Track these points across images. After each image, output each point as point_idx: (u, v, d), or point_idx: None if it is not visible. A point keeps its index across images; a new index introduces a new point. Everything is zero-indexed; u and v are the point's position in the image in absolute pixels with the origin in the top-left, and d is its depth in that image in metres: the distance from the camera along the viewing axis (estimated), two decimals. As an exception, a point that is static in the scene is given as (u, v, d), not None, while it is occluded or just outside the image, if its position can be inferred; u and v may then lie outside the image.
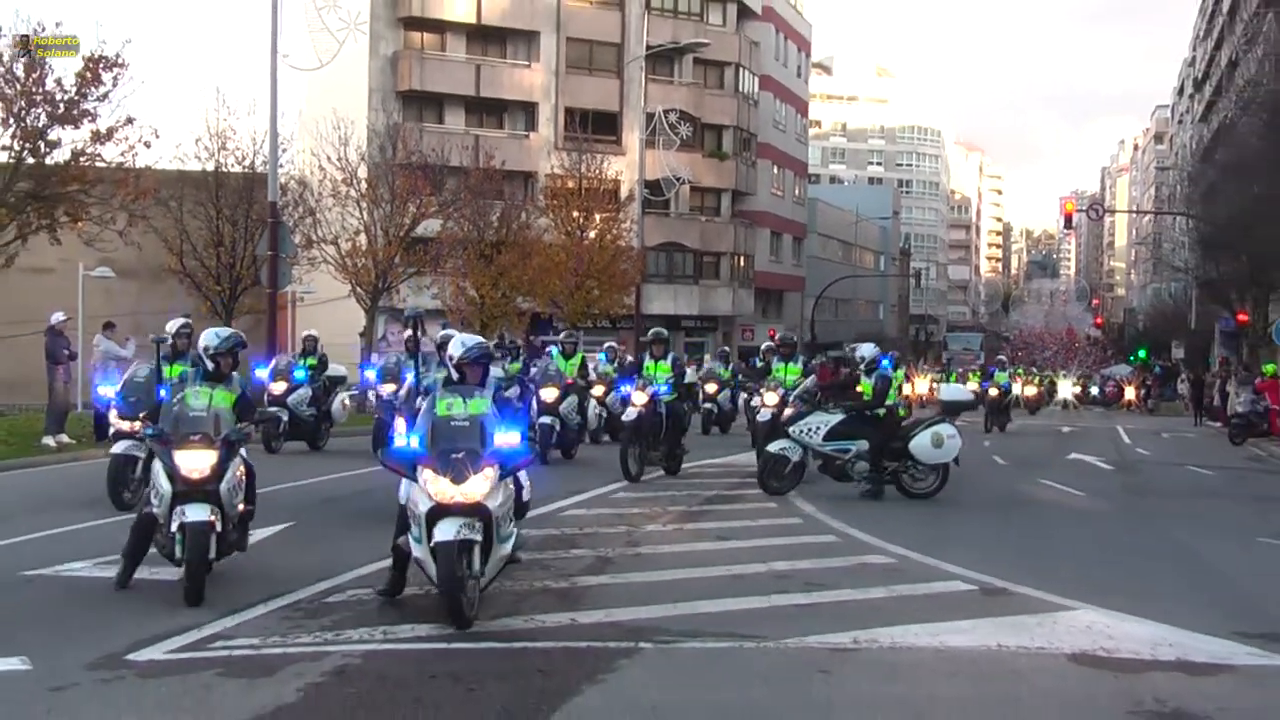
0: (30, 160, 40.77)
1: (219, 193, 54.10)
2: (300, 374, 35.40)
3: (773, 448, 27.52)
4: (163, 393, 16.72)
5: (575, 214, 67.85)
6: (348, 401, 38.68)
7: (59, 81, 40.90)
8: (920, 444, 27.04)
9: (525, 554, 18.40)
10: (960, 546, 19.89)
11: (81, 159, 41.51)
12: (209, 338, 16.47)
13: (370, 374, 36.42)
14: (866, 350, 28.72)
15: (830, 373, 30.74)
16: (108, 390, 27.63)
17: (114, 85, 41.59)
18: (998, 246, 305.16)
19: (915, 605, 15.61)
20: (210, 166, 54.98)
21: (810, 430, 27.05)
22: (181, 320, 23.98)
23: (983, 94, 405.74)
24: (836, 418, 27.13)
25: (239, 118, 56.89)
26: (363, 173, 58.42)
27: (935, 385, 72.71)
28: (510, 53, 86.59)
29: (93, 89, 41.19)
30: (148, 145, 43.15)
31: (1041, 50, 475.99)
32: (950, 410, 31.52)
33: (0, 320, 48.02)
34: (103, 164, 42.14)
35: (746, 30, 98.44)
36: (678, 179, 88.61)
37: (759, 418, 33.29)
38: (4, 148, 40.80)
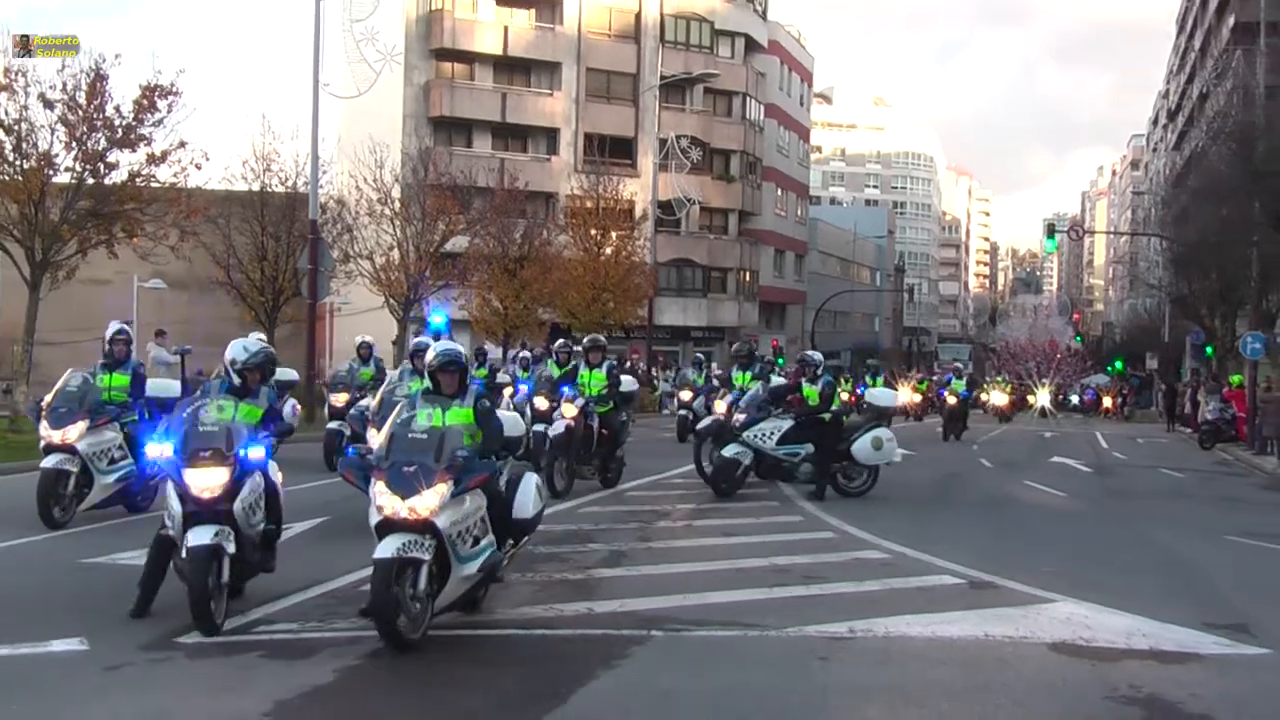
0: (91, 181, 40.89)
1: (263, 211, 54.21)
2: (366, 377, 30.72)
3: (727, 452, 26.58)
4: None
5: (593, 232, 67.84)
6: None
7: (118, 108, 41.06)
8: (861, 447, 27.18)
9: (546, 548, 18.48)
10: (950, 543, 19.86)
11: (138, 180, 41.65)
12: (236, 351, 14.45)
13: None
14: (816, 356, 28.30)
15: (798, 376, 30.27)
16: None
17: (168, 112, 41.74)
18: (985, 264, 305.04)
19: (908, 597, 15.58)
20: (256, 187, 55.13)
21: (764, 435, 26.63)
22: (117, 326, 22.20)
23: (973, 123, 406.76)
24: (787, 423, 26.77)
25: (283, 142, 56.97)
26: (396, 193, 58.46)
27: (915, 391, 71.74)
28: (534, 82, 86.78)
29: (149, 115, 41.31)
30: (198, 167, 43.37)
31: (1027, 83, 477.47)
32: (878, 414, 30.77)
33: (62, 327, 47.97)
34: (157, 184, 42.30)
35: (753, 62, 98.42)
36: (688, 200, 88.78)
37: (700, 424, 31.89)
38: (67, 169, 40.94)
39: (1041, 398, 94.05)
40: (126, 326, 22.59)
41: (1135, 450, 52.70)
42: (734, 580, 16.49)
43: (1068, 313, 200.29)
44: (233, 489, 13.21)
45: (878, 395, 35.94)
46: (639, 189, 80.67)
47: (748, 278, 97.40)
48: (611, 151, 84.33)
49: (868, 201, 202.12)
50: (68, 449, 19.93)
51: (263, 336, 22.56)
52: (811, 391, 26.91)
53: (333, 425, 29.10)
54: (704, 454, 28.68)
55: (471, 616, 13.81)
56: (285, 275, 52.96)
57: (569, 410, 26.35)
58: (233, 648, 12.45)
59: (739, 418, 27.08)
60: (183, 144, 42.29)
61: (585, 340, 29.34)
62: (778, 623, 13.85)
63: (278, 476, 14.60)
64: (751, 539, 20.27)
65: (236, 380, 14.23)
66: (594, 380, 26.93)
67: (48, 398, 21.09)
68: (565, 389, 27.01)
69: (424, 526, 12.24)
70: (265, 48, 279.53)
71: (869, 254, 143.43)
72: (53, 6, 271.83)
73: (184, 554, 13.08)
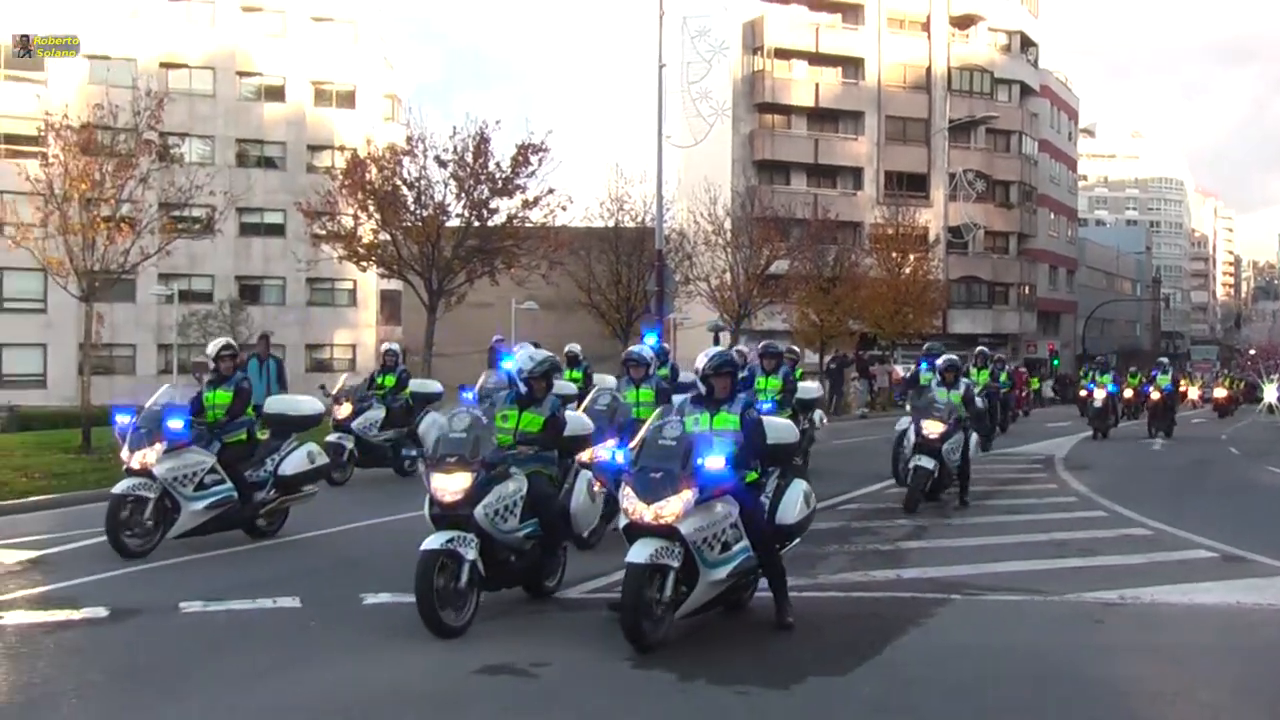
0: (476, 224, 41.77)
1: (618, 243, 55.15)
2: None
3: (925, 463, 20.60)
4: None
5: (894, 254, 67.23)
6: (316, 452, 22.68)
7: (498, 164, 41.97)
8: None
9: (859, 523, 18.87)
10: (1204, 521, 19.03)
11: (514, 221, 42.46)
12: (523, 361, 13.24)
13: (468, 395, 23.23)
14: (779, 347, 24.75)
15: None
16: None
17: (539, 165, 42.48)
18: (1230, 275, 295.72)
19: (1169, 569, 15.14)
20: (611, 223, 56.14)
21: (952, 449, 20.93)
22: (223, 343, 18.09)
23: (1216, 150, 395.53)
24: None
25: (633, 185, 57.99)
26: (728, 225, 58.83)
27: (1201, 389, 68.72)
28: (841, 129, 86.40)
29: (523, 169, 42.11)
30: (564, 209, 44.15)
31: (1263, 113, 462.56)
32: (804, 408, 24.66)
33: (452, 341, 48.99)
34: (530, 224, 43.07)
35: (1027, 105, 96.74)
36: (974, 225, 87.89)
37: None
38: (457, 215, 41.92)
39: (1269, 393, 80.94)
40: (233, 341, 18.27)
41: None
42: (1020, 552, 16.30)
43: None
44: (475, 494, 11.69)
45: (802, 389, 25.47)
46: (932, 217, 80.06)
47: (1026, 291, 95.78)
48: (908, 186, 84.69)
49: (1127, 222, 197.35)
50: (145, 473, 15.70)
51: (535, 346, 17.44)
52: (773, 382, 22.86)
53: (333, 438, 23.85)
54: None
55: (797, 581, 13.51)
56: (636, 296, 53.74)
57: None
58: (593, 604, 12.74)
59: (939, 430, 20.83)
60: (551, 191, 43.07)
61: (760, 346, 24.85)
62: (1058, 589, 13.65)
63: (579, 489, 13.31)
64: (1033, 517, 20.00)
65: (523, 389, 13.03)
66: (769, 386, 23.02)
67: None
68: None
69: (669, 532, 10.83)
70: (617, 107, 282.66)
71: (1130, 268, 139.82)
72: (447, 82, 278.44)
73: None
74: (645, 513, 10.87)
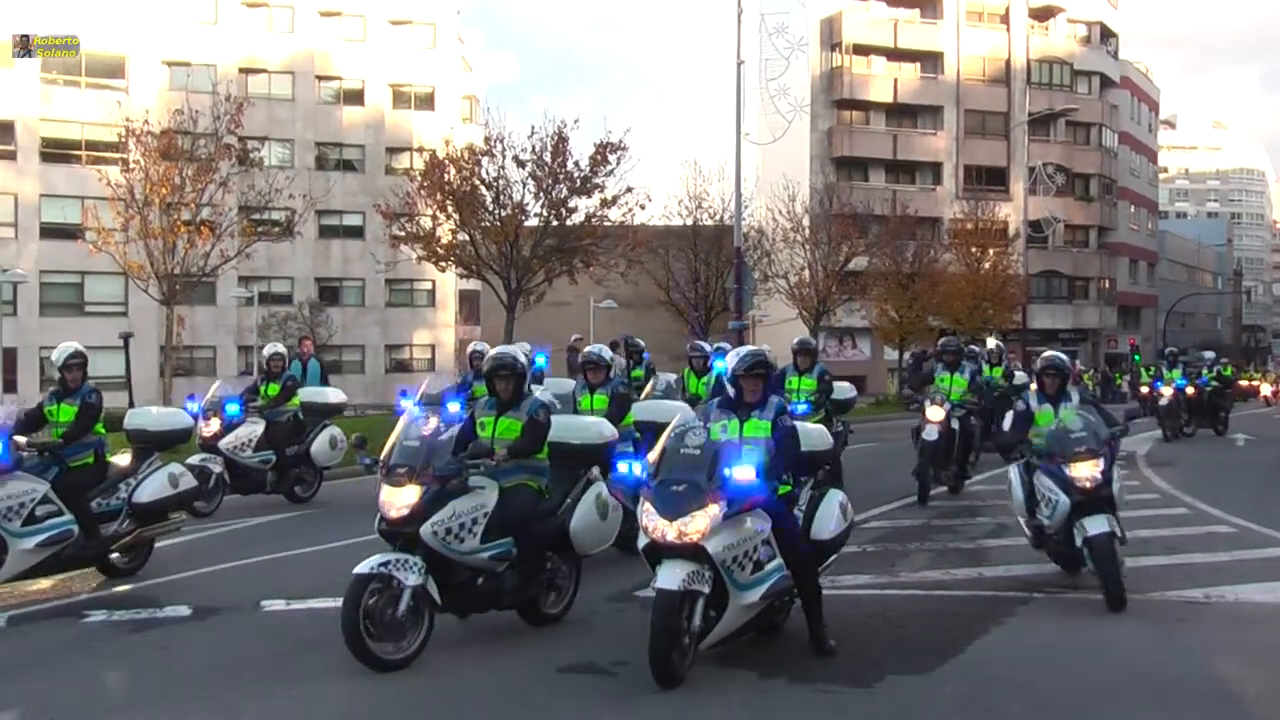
0: (555, 223, 41.70)
1: (696, 241, 55.17)
2: (234, 408, 20.57)
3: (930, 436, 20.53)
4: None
5: (973, 249, 66.61)
6: (339, 437, 21.65)
7: (576, 163, 41.90)
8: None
9: (940, 520, 18.69)
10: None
11: (592, 220, 42.40)
12: (732, 361, 11.13)
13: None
14: (704, 347, 22.50)
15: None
16: None
17: (617, 164, 42.37)
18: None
19: (1254, 567, 14.76)
20: (689, 221, 55.98)
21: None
22: (71, 350, 14.75)
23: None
24: None
25: (711, 183, 58.02)
26: (806, 222, 58.68)
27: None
28: (920, 124, 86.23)
29: (602, 168, 42.01)
30: (642, 207, 44.06)
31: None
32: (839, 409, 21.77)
33: (532, 340, 48.97)
34: (608, 223, 43.01)
35: (1107, 96, 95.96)
36: (1054, 219, 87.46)
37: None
38: (536, 215, 41.87)
39: None
40: (82, 349, 15.03)
41: None
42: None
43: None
44: (425, 510, 10.50)
45: (841, 388, 22.36)
46: (1012, 211, 79.20)
47: (1107, 285, 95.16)
48: (987, 180, 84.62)
49: (1209, 214, 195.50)
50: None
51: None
52: (807, 381, 20.29)
53: (197, 459, 19.54)
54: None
55: (878, 578, 13.58)
56: (715, 294, 53.84)
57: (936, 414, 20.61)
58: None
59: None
60: (629, 189, 42.97)
61: (794, 343, 21.33)
62: (1142, 588, 13.19)
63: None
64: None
65: (731, 391, 10.85)
66: (803, 386, 20.24)
67: None
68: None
69: (695, 552, 9.62)
70: (695, 105, 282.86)
71: (1211, 260, 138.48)
72: (524, 83, 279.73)
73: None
74: (668, 530, 9.68)
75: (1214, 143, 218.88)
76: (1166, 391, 36.05)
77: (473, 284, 59.33)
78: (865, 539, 16.30)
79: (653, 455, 10.38)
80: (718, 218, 56.71)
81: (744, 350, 11.14)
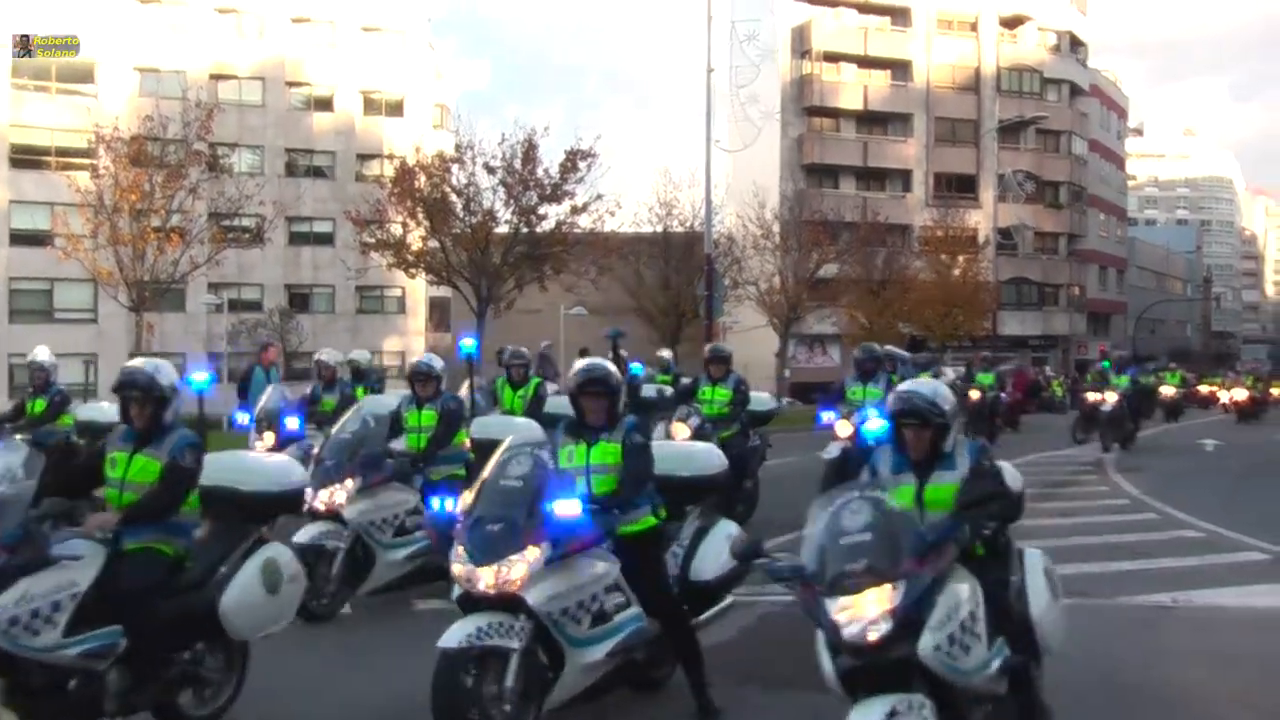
0: (525, 230, 41.80)
1: (666, 248, 55.22)
2: (293, 423, 17.97)
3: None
4: None
5: (943, 257, 67.11)
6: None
7: (546, 170, 42.00)
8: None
9: None
10: (1259, 523, 18.54)
11: (563, 227, 42.56)
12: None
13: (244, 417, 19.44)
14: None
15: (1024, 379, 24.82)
16: None
17: (587, 170, 42.52)
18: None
19: (1222, 571, 14.99)
20: (659, 228, 56.10)
21: None
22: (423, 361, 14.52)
23: (1268, 147, 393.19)
24: None
25: (681, 190, 58.20)
26: (776, 229, 58.95)
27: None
28: (890, 131, 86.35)
29: (572, 175, 42.11)
30: (612, 214, 44.31)
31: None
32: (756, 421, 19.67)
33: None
34: (578, 230, 43.14)
35: (1077, 104, 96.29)
36: (1024, 226, 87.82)
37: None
38: (506, 222, 41.95)
39: None
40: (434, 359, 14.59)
41: None
42: (1071, 555, 15.63)
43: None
44: None
45: (759, 399, 20.27)
46: (981, 218, 79.82)
47: (1076, 292, 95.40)
48: (957, 187, 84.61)
49: (1178, 221, 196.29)
50: (332, 515, 12.56)
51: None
52: (721, 392, 18.28)
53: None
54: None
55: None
56: (685, 301, 53.87)
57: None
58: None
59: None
60: (599, 196, 43.19)
61: (707, 349, 19.87)
62: (1110, 593, 13.55)
63: None
64: (1086, 519, 19.66)
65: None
66: (716, 397, 18.21)
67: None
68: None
69: (515, 603, 8.06)
70: (665, 113, 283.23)
71: (1180, 268, 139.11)
72: (495, 91, 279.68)
73: None
74: (480, 578, 8.08)
75: (1183, 151, 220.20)
76: (1110, 398, 33.86)
77: (443, 291, 59.37)
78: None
79: (469, 490, 8.81)
80: (688, 225, 56.85)
81: (583, 365, 9.35)
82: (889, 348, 25.82)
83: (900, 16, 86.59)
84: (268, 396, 18.54)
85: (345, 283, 68.45)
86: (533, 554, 8.08)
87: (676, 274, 55.55)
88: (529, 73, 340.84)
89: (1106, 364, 36.56)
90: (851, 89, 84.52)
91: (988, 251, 73.81)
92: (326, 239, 71.74)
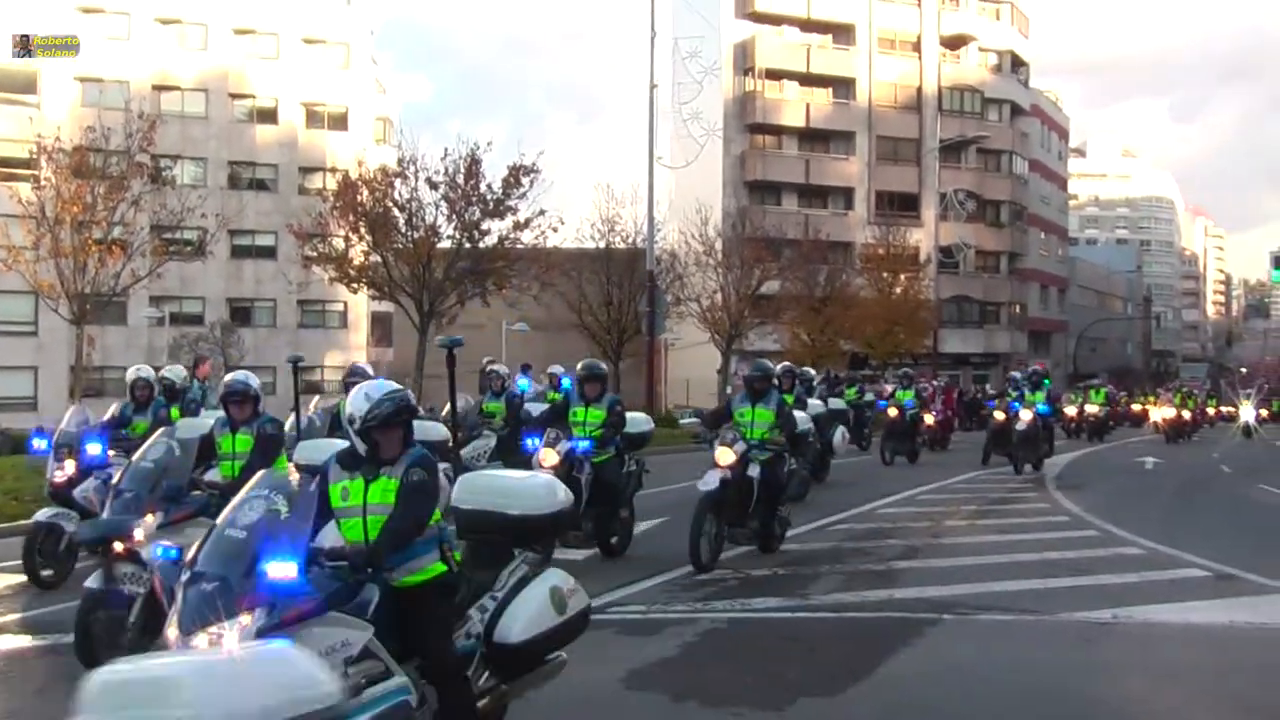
0: (468, 245, 41.89)
1: (609, 264, 55.28)
2: (95, 448, 15.57)
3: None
4: None
5: (885, 274, 67.46)
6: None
7: (489, 186, 42.06)
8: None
9: (852, 543, 18.80)
10: (1197, 540, 19.01)
11: (505, 243, 42.61)
12: None
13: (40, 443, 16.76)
14: (501, 370, 21.65)
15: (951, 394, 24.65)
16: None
17: (530, 186, 42.60)
18: (1221, 293, 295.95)
19: (1162, 588, 15.18)
20: (602, 244, 56.30)
21: None
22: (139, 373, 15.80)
23: (1208, 169, 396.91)
24: None
25: (624, 206, 58.27)
26: (719, 246, 59.07)
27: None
28: (832, 149, 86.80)
29: (515, 190, 42.18)
30: (555, 230, 44.36)
31: (1258, 132, 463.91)
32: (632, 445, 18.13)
33: (444, 364, 49.11)
34: (521, 246, 43.22)
35: (1018, 124, 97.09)
36: (965, 245, 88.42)
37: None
38: (449, 237, 42.04)
39: (1245, 413, 64.56)
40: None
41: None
42: (1012, 572, 16.18)
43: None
44: None
45: (635, 420, 18.58)
46: (923, 236, 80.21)
47: (1017, 310, 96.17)
48: (899, 206, 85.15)
49: (1118, 241, 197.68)
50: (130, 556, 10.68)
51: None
52: (595, 413, 17.03)
53: (45, 515, 15.25)
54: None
55: (789, 601, 13.77)
56: (628, 317, 54.01)
57: (548, 457, 16.99)
58: (591, 625, 12.22)
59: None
60: (542, 212, 43.25)
61: (579, 367, 18.03)
62: (1050, 609, 13.66)
63: None
64: (1026, 536, 19.83)
65: (362, 446, 7.79)
66: (590, 419, 17.05)
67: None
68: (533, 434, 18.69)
69: None
70: (609, 129, 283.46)
71: (1120, 287, 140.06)
72: (438, 105, 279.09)
73: None
74: (184, 647, 6.74)
75: (1123, 171, 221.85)
76: (1026, 416, 32.13)
77: (385, 306, 59.36)
78: (776, 562, 16.70)
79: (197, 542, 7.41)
80: (630, 241, 56.98)
81: (377, 389, 7.86)
82: (788, 364, 25.29)
83: (843, 35, 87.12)
84: (67, 418, 16.40)
85: (287, 296, 68.28)
86: (245, 622, 6.71)
87: (619, 290, 55.62)
88: (472, 87, 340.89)
89: (1019, 377, 35.29)
90: (794, 106, 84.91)
91: (929, 269, 74.17)
92: (269, 252, 71.64)
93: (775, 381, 18.63)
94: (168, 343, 62.71)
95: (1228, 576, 16.04)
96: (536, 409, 20.55)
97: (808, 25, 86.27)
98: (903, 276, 68.46)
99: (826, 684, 10.51)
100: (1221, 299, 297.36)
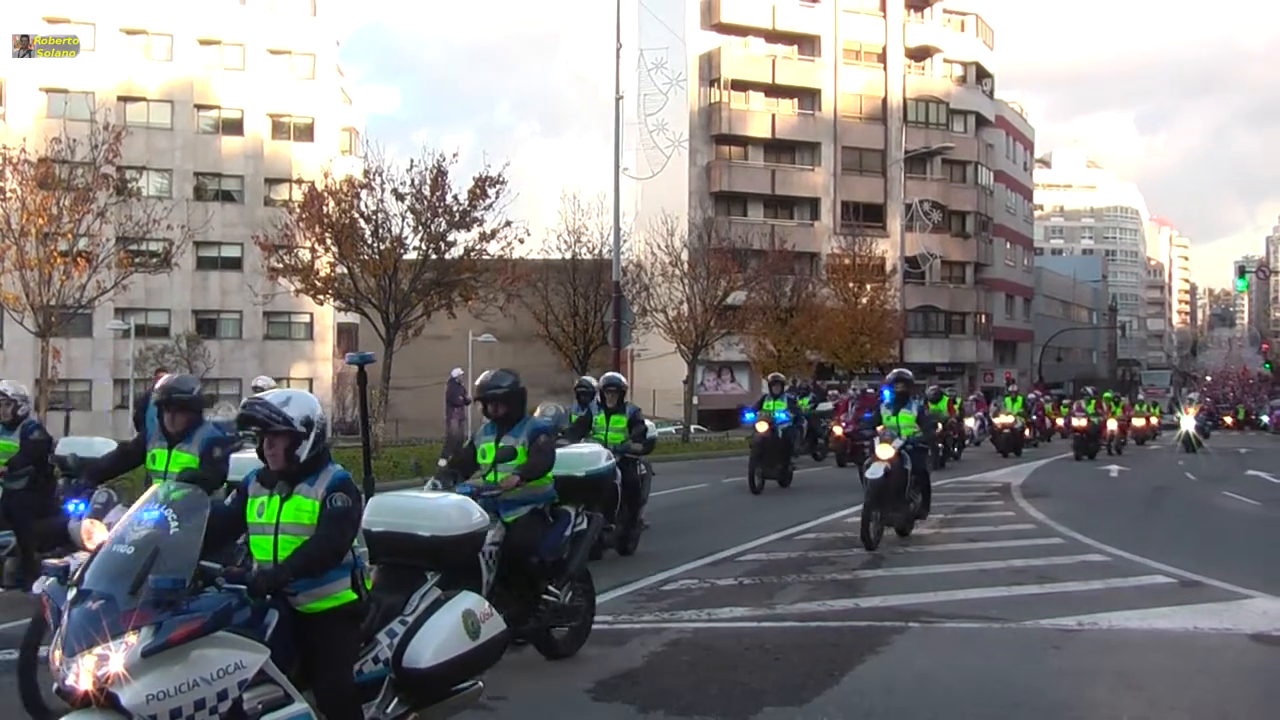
0: (434, 256, 41.80)
1: (575, 275, 55.24)
2: None
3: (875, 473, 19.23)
4: None
5: (851, 284, 67.42)
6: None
7: (455, 197, 41.93)
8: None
9: (817, 552, 18.84)
10: (1162, 547, 19.19)
11: (471, 254, 42.42)
12: None
13: None
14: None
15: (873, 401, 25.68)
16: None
17: (496, 197, 42.46)
18: (1186, 303, 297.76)
19: (1127, 595, 15.29)
20: (568, 255, 56.26)
21: None
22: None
23: (1173, 180, 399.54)
24: None
25: (590, 217, 58.12)
26: (685, 256, 58.97)
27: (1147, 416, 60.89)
28: (798, 160, 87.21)
29: (481, 201, 42.07)
30: (521, 241, 44.15)
31: (1222, 143, 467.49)
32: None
33: (411, 374, 49.18)
34: (487, 257, 43.06)
35: (983, 135, 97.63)
36: (931, 255, 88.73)
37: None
38: (414, 248, 41.97)
39: (1186, 423, 57.67)
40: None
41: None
42: (978, 579, 16.26)
43: (1258, 343, 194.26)
44: None
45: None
46: (889, 247, 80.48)
47: (983, 320, 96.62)
48: (865, 216, 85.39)
49: (1083, 251, 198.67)
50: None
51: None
52: (618, 420, 18.76)
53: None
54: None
55: (755, 610, 13.83)
56: (594, 328, 53.86)
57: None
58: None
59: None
60: (508, 223, 43.04)
61: (601, 379, 19.73)
62: (1016, 616, 13.71)
63: None
64: (992, 544, 19.96)
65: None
66: (614, 425, 18.62)
67: None
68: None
69: (111, 703, 6.20)
70: (574, 141, 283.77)
71: (1086, 296, 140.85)
72: (404, 116, 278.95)
73: None
74: (66, 671, 6.31)
75: (1089, 181, 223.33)
76: (1004, 421, 31.68)
77: (351, 317, 59.30)
78: (741, 571, 16.83)
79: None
80: (596, 252, 56.93)
81: (283, 397, 7.57)
82: (776, 375, 26.12)
83: (808, 46, 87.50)
84: None
85: (253, 308, 68.14)
86: (133, 640, 6.30)
87: (585, 301, 55.51)
88: (439, 98, 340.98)
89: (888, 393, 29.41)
90: (760, 117, 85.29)
91: (895, 279, 74.36)
92: (234, 264, 71.56)
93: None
94: (133, 355, 62.57)
95: (1193, 583, 16.15)
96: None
97: (773, 36, 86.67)
98: (869, 287, 68.46)
99: (793, 693, 10.53)
100: (1187, 308, 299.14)
